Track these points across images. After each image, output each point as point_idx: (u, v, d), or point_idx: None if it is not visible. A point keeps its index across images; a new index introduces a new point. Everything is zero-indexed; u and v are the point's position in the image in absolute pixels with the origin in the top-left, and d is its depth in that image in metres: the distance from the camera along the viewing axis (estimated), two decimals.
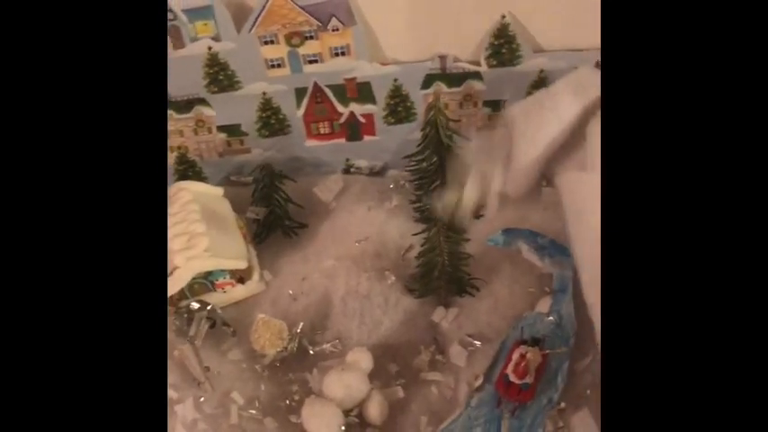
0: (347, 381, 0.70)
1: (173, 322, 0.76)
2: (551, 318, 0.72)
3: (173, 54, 0.78)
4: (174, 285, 0.75)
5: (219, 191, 0.85)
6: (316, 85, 0.83)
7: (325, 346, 0.76)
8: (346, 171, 0.92)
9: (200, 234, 0.76)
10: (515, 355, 0.68)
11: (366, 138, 0.89)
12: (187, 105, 0.84)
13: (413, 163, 0.79)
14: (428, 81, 0.84)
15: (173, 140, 0.87)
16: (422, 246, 0.73)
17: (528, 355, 0.67)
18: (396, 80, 0.83)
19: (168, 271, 0.75)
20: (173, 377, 0.72)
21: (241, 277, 0.81)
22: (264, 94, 0.83)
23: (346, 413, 0.69)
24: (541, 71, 0.81)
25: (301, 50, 0.80)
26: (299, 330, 0.76)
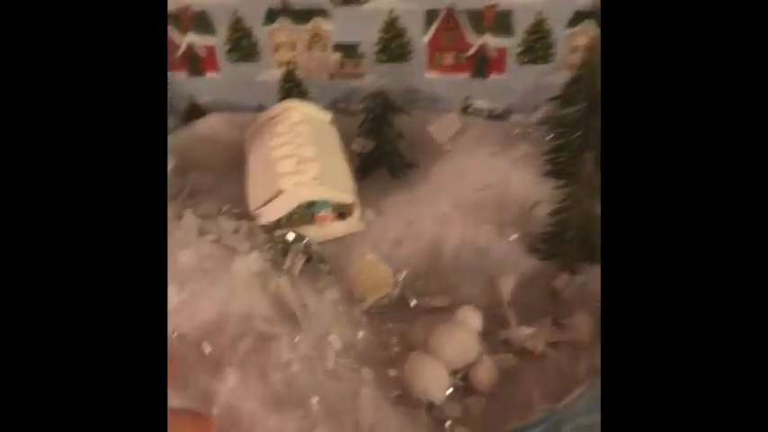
0: (459, 339, 0.63)
1: (268, 252, 0.70)
2: None
3: None
4: (277, 211, 0.68)
5: (327, 116, 0.78)
6: (450, 8, 0.74)
7: (431, 298, 0.69)
8: (464, 111, 0.83)
9: (309, 159, 0.69)
10: None
11: (493, 76, 0.79)
12: (305, 15, 0.76)
13: (555, 108, 0.70)
14: (576, 19, 0.73)
15: (283, 54, 0.79)
16: (560, 202, 0.65)
17: None
18: (541, 13, 0.73)
19: (271, 194, 0.69)
20: (267, 310, 0.66)
21: (342, 213, 0.74)
22: (392, 11, 0.74)
23: (452, 374, 0.62)
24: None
25: None
26: (402, 278, 0.69)
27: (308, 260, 0.71)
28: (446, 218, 0.73)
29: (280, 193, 0.68)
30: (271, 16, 0.76)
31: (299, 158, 0.69)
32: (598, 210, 0.66)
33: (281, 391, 0.61)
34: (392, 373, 0.63)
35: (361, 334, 0.66)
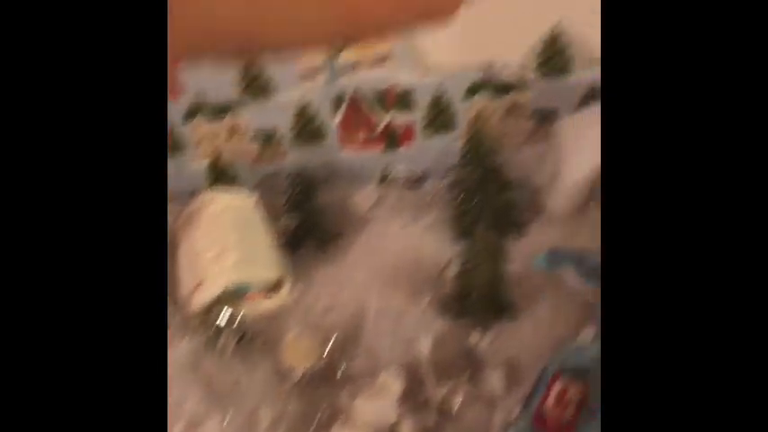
0: (377, 405, 0.67)
1: (200, 335, 0.74)
2: (595, 350, 0.67)
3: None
4: (203, 298, 0.73)
5: (251, 199, 0.83)
6: (353, 92, 0.80)
7: (355, 363, 0.73)
8: (383, 181, 0.89)
9: (230, 245, 0.74)
10: (556, 387, 0.65)
11: (404, 147, 0.86)
12: (221, 110, 0.82)
13: (454, 180, 0.75)
14: (472, 90, 0.80)
15: (206, 146, 0.85)
16: (461, 266, 0.70)
17: (569, 388, 0.63)
18: (438, 89, 0.80)
19: (197, 283, 0.74)
20: (200, 392, 0.70)
21: (272, 289, 0.79)
22: (300, 101, 0.81)
23: None
24: (594, 83, 0.77)
25: (340, 58, 0.77)
26: (329, 347, 0.74)
27: (241, 338, 0.75)
28: (367, 286, 0.78)
29: (204, 280, 0.73)
30: (189, 114, 0.82)
31: (221, 246, 0.74)
32: (500, 268, 0.71)
33: None
34: None
35: (290, 406, 0.71)
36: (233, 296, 0.76)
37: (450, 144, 0.84)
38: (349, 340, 0.75)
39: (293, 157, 0.86)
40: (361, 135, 0.84)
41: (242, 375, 0.72)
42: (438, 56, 0.78)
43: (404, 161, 0.87)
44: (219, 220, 0.76)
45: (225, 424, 0.68)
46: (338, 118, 0.83)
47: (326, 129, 0.84)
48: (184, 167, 0.87)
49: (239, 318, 0.75)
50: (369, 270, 0.80)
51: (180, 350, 0.73)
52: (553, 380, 0.65)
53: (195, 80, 0.79)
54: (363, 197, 0.86)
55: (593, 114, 0.72)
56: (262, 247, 0.78)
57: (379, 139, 0.85)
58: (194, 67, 0.76)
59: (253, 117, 0.83)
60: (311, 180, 0.83)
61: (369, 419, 0.67)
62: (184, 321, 0.76)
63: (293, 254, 0.83)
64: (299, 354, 0.72)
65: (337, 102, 0.81)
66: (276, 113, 0.82)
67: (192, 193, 0.86)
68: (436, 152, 0.85)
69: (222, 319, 0.75)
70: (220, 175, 0.88)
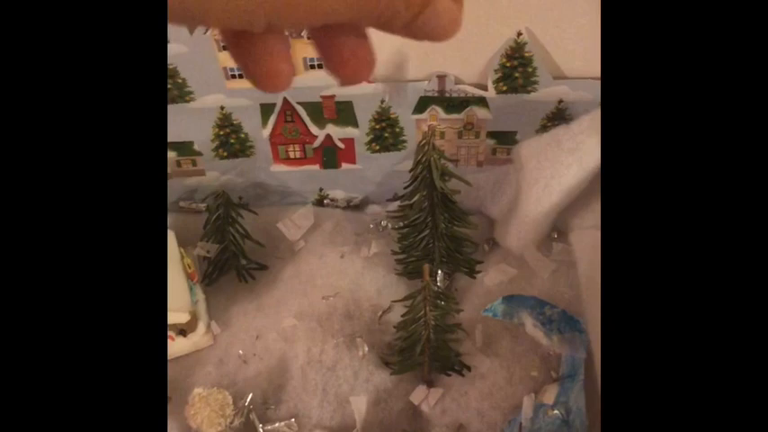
0: None
1: None
2: (556, 412, 0.58)
3: None
4: None
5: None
6: (286, 101, 0.69)
7: (278, 425, 0.62)
8: (319, 203, 0.78)
9: None
10: None
11: (344, 165, 0.75)
12: None
13: (399, 208, 0.65)
14: (423, 104, 0.70)
15: None
16: (404, 315, 0.59)
17: None
18: (383, 101, 0.69)
19: None
20: None
21: (183, 329, 0.67)
22: (222, 108, 0.69)
23: None
24: (560, 101, 0.68)
25: None
26: (247, 403, 0.62)
27: None
28: (293, 331, 0.66)
29: None
30: None
31: None
32: (450, 315, 0.61)
33: None
34: None
35: None
36: None
37: (397, 165, 0.74)
38: (270, 397, 0.63)
39: (215, 173, 0.74)
40: (296, 150, 0.73)
41: None
42: (386, 63, 0.68)
43: (343, 182, 0.76)
44: None
45: None
46: (268, 129, 0.71)
47: (255, 141, 0.72)
48: None
49: None
50: (297, 310, 0.68)
51: None
52: None
53: None
54: (295, 222, 0.74)
55: (555, 138, 0.63)
56: (173, 282, 0.66)
57: (315, 155, 0.73)
58: None
59: (168, 125, 0.70)
60: (234, 200, 0.71)
61: None
62: None
63: (209, 288, 0.71)
64: (205, 415, 0.60)
65: (267, 110, 0.69)
66: (195, 122, 0.69)
67: None
68: (380, 173, 0.75)
69: None
70: None
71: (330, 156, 0.74)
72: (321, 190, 0.77)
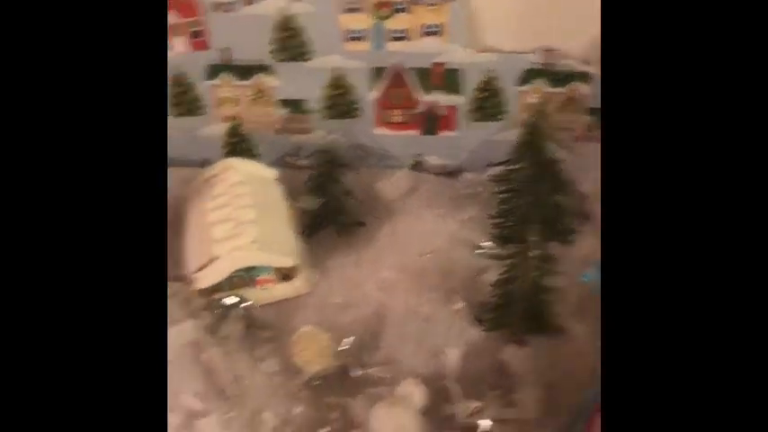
0: (398, 418, 0.60)
1: (203, 318, 0.66)
2: None
3: (241, 10, 0.67)
4: (212, 277, 0.65)
5: (272, 173, 0.75)
6: (397, 66, 0.72)
7: (372, 370, 0.66)
8: (415, 167, 0.81)
9: (248, 222, 0.66)
10: (597, 422, 0.57)
11: (443, 133, 0.77)
12: (248, 71, 0.73)
13: (504, 172, 0.67)
14: (527, 77, 0.72)
15: (227, 109, 0.76)
16: (501, 274, 0.62)
17: None
18: (490, 71, 0.72)
19: (205, 260, 0.66)
20: (198, 384, 0.62)
21: (286, 275, 0.71)
22: (337, 69, 0.72)
23: None
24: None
25: (388, 24, 0.68)
26: (345, 347, 0.66)
27: (247, 327, 0.68)
28: (390, 284, 0.70)
29: (214, 258, 0.65)
30: (212, 72, 0.73)
31: (237, 222, 0.66)
32: (546, 281, 0.64)
33: None
34: None
35: (298, 409, 0.63)
36: (243, 279, 0.68)
37: (495, 135, 0.76)
38: (367, 343, 0.67)
39: (321, 132, 0.78)
40: (399, 115, 0.76)
41: (246, 369, 0.65)
42: (495, 34, 0.70)
43: (440, 148, 0.79)
44: (238, 193, 0.68)
45: (225, 421, 0.61)
46: (376, 92, 0.74)
47: (362, 103, 0.75)
48: (198, 131, 0.78)
49: (247, 304, 0.67)
50: (394, 266, 0.72)
51: (179, 335, 0.65)
52: (595, 412, 0.58)
53: (224, 33, 0.70)
54: (394, 183, 0.78)
55: None
56: (280, 229, 0.70)
57: (417, 121, 0.76)
58: (224, 17, 0.68)
59: (283, 82, 0.74)
60: (338, 159, 0.75)
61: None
62: (186, 301, 0.68)
63: (310, 240, 0.75)
64: (310, 352, 0.65)
65: (377, 74, 0.73)
66: (309, 80, 0.73)
67: (204, 162, 0.77)
68: (477, 142, 0.77)
69: (228, 304, 0.67)
70: (239, 143, 0.79)
71: (431, 122, 0.77)
72: (417, 155, 0.80)
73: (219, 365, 0.63)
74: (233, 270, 0.65)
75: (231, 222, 0.66)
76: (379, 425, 0.59)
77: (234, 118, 0.77)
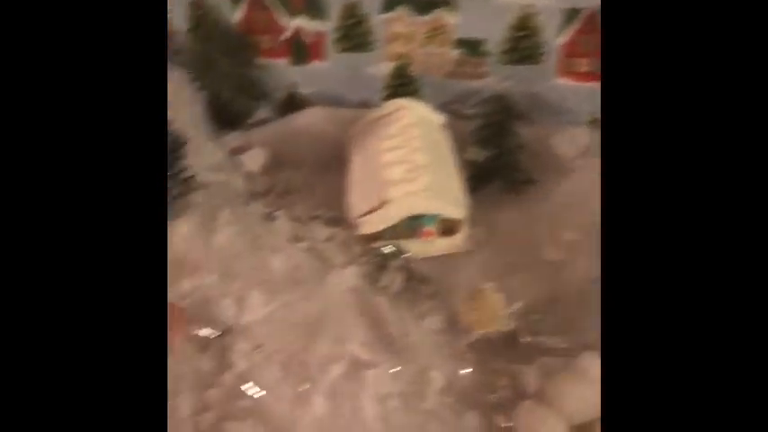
0: (583, 392, 0.54)
1: (363, 265, 0.62)
2: None
3: None
4: (382, 222, 0.61)
5: (440, 118, 0.70)
6: (594, 9, 0.65)
7: (544, 338, 0.60)
8: (593, 124, 0.73)
9: (422, 166, 0.61)
10: None
11: None
12: (428, 6, 0.68)
13: None
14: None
15: (396, 47, 0.72)
16: None
17: None
18: None
19: (376, 203, 0.62)
20: (365, 334, 0.59)
21: (449, 228, 0.66)
22: (527, 7, 0.66)
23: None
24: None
25: None
26: (514, 311, 0.61)
27: (407, 279, 0.63)
28: (571, 245, 0.64)
29: (387, 202, 0.60)
30: (390, 4, 0.68)
31: (411, 165, 0.61)
32: None
33: (375, 428, 0.54)
34: (501, 421, 0.55)
35: (465, 371, 0.58)
36: (408, 227, 0.64)
37: None
38: (538, 309, 0.61)
39: (496, 78, 0.72)
40: (587, 64, 0.69)
41: (410, 324, 0.60)
42: None
43: None
44: (411, 135, 0.63)
45: (394, 374, 0.57)
46: (565, 37, 0.67)
47: (546, 48, 0.68)
48: (362, 69, 0.74)
49: (406, 255, 0.63)
50: (569, 228, 0.65)
51: (340, 280, 0.62)
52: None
53: None
54: (571, 140, 0.71)
55: None
56: (449, 178, 0.65)
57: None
58: None
59: (462, 19, 0.68)
60: (512, 109, 0.69)
61: (565, 408, 0.54)
62: (344, 245, 0.65)
63: (476, 193, 0.70)
64: (482, 313, 0.59)
65: (572, 16, 0.66)
66: (492, 19, 0.67)
67: (361, 103, 0.73)
68: None
69: (386, 252, 0.63)
70: (402, 85, 0.74)
71: None
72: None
73: (386, 315, 0.59)
74: (405, 215, 0.61)
75: (405, 165, 0.61)
76: (559, 394, 0.53)
77: (403, 57, 0.72)
